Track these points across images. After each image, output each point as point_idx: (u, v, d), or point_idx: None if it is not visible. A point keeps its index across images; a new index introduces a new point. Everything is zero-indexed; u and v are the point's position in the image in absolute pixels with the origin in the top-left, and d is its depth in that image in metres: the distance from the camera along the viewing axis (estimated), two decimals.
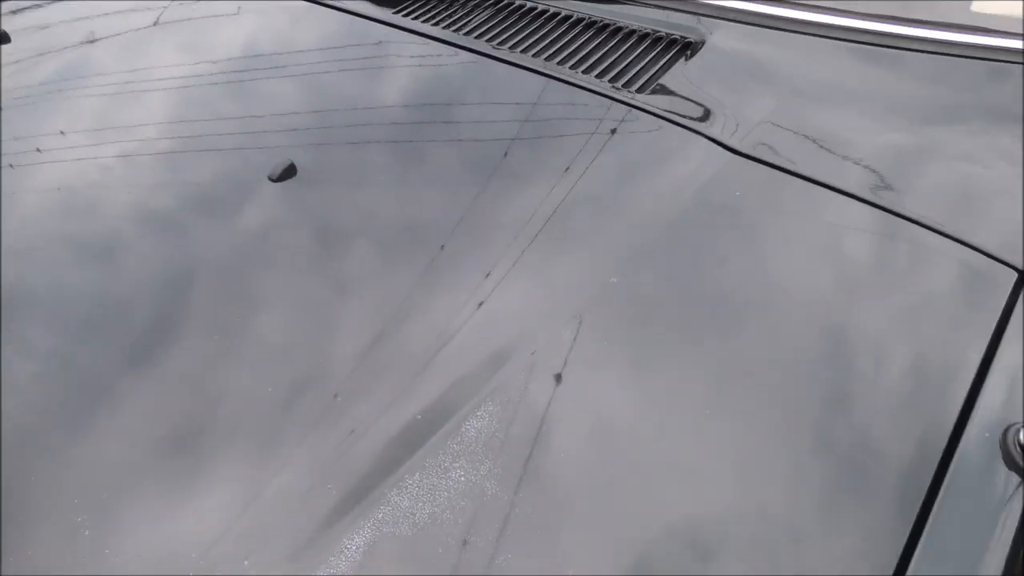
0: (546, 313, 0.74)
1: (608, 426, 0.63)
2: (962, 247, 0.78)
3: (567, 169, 0.89)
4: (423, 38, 1.13)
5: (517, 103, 0.98)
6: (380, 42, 1.13)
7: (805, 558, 0.56)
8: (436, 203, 0.86)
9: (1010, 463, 0.62)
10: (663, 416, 0.64)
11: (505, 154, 0.91)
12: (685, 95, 0.98)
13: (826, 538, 0.57)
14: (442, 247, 0.81)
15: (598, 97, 0.97)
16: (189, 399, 0.69)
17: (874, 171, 0.87)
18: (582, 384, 0.67)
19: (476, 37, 1.12)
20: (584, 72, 1.02)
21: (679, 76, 1.00)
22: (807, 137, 0.91)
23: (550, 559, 0.55)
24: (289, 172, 0.85)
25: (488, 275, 0.77)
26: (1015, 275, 0.75)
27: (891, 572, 0.55)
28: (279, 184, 0.87)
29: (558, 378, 0.67)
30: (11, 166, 0.96)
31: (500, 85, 1.03)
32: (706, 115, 0.94)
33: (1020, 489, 0.61)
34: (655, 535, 0.57)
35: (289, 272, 0.81)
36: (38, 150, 0.99)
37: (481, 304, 0.74)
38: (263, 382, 0.69)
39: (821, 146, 0.90)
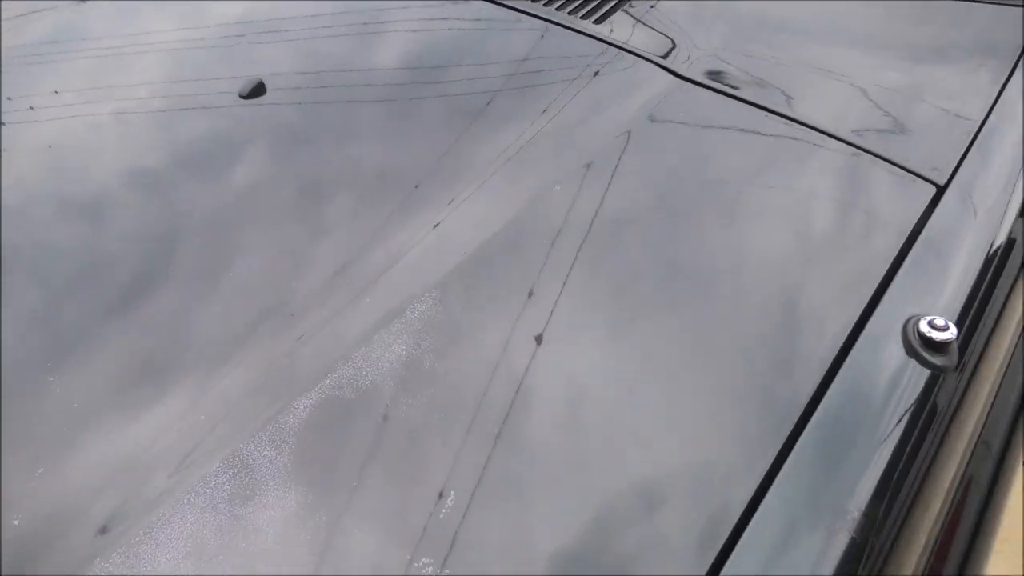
0: (487, 226, 0.78)
1: (537, 310, 0.69)
2: (890, 165, 0.84)
3: (523, 95, 0.93)
4: None
5: (474, 32, 1.03)
6: None
7: (705, 433, 0.61)
8: (381, 126, 0.90)
9: (908, 349, 0.67)
10: (582, 305, 0.70)
11: (459, 81, 0.96)
12: (639, 25, 1.02)
13: (724, 411, 0.63)
14: (382, 169, 0.85)
15: (554, 27, 1.01)
16: (155, 314, 0.72)
17: (813, 97, 0.92)
18: (518, 278, 0.72)
19: None
20: (544, 5, 1.06)
21: (635, 7, 1.04)
22: (752, 65, 0.96)
23: (480, 418, 0.60)
24: (258, 90, 0.89)
25: (448, 200, 0.82)
26: (934, 189, 0.81)
27: (787, 435, 0.61)
28: (251, 102, 0.91)
29: (500, 274, 0.72)
30: None
31: (460, 14, 1.07)
32: (658, 44, 0.99)
33: (915, 371, 0.67)
34: (573, 417, 0.63)
35: (258, 197, 0.84)
36: (30, 107, 1.02)
37: (437, 225, 0.79)
38: (218, 296, 0.73)
39: (765, 73, 0.94)
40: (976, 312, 0.75)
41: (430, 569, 0.53)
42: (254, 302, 0.72)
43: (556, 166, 0.84)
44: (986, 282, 0.77)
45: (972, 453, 0.71)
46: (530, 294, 0.70)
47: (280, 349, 0.67)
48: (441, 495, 0.56)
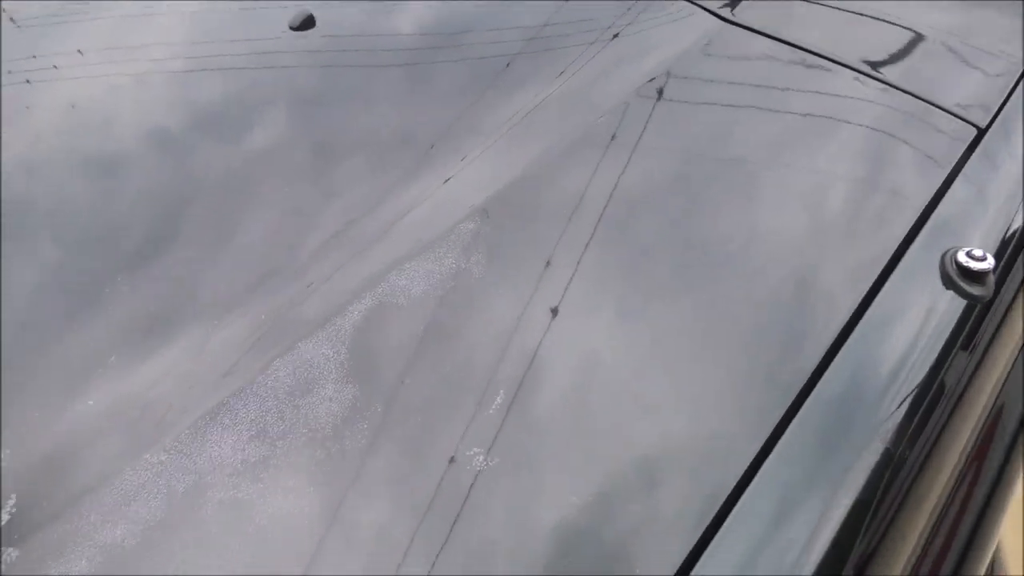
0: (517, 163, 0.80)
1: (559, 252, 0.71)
2: (932, 107, 0.84)
3: (561, 38, 0.94)
4: None
5: None
6: None
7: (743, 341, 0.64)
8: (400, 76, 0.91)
9: (945, 280, 0.69)
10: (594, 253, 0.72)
11: (494, 19, 0.97)
12: None
13: (756, 339, 0.65)
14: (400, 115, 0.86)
15: None
16: (167, 261, 0.72)
17: (859, 40, 0.92)
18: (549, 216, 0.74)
19: None
20: None
21: None
22: (796, 7, 0.96)
23: (523, 324, 0.63)
24: (308, 23, 0.91)
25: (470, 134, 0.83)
26: (975, 131, 0.82)
27: (816, 363, 0.62)
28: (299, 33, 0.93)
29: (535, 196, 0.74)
30: None
31: None
32: None
33: (953, 301, 0.68)
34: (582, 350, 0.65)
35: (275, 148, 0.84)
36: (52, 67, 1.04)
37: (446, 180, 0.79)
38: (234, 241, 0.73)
39: (809, 16, 0.95)
40: (1013, 249, 0.76)
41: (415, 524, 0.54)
42: (268, 251, 0.72)
43: (596, 108, 0.85)
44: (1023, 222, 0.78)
45: (1003, 387, 0.72)
46: (560, 234, 0.72)
47: (288, 295, 0.67)
48: (450, 459, 0.58)
